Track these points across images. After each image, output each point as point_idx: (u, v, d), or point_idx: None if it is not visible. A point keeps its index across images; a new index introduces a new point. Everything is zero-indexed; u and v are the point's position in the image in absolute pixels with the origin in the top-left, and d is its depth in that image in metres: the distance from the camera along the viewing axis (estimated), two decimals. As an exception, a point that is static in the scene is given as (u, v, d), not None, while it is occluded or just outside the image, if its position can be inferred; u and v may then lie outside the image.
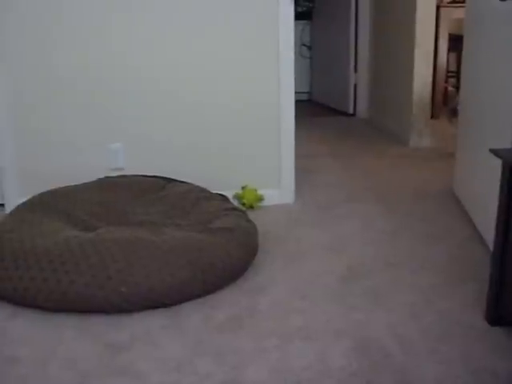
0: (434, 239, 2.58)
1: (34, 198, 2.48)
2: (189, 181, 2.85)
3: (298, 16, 5.55)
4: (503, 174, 1.77)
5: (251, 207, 2.97)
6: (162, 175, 2.84)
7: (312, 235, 2.65)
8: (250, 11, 2.82)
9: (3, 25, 2.70)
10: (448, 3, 4.96)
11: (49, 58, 2.76)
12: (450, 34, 4.96)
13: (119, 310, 1.96)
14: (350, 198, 3.16)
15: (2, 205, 2.91)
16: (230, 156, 2.99)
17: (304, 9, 6.19)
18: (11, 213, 2.37)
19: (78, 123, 2.86)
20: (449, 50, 5.10)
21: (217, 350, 1.75)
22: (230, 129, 2.96)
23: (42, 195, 2.48)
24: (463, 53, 3.03)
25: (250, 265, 2.29)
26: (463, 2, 4.08)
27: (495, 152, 1.77)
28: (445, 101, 5.45)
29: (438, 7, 4.62)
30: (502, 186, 1.78)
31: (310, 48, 6.24)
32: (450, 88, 5.54)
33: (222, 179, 2.98)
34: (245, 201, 2.96)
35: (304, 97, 6.27)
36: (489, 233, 2.39)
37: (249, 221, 2.43)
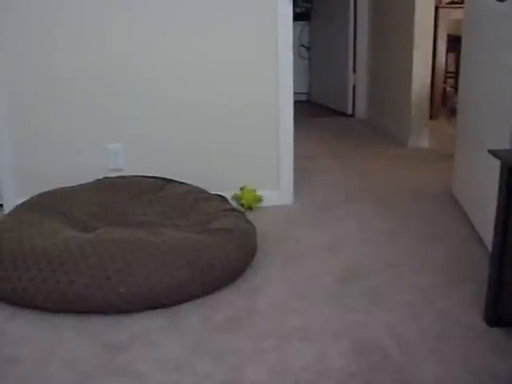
0: (433, 240, 2.58)
1: (32, 198, 2.48)
2: (188, 181, 2.85)
3: (297, 17, 5.55)
4: (502, 174, 1.77)
5: (250, 208, 2.97)
6: (160, 176, 2.84)
7: (311, 236, 2.65)
8: (248, 11, 2.83)
9: (3, 25, 2.70)
10: (446, 4, 4.96)
11: (49, 58, 2.76)
12: (448, 35, 4.96)
13: (118, 311, 1.96)
14: (349, 198, 3.16)
15: (1, 205, 2.91)
16: (228, 156, 2.99)
17: (302, 10, 6.19)
18: (10, 213, 2.37)
19: (78, 123, 2.86)
20: (447, 51, 5.11)
21: (216, 351, 1.75)
22: (229, 129, 2.96)
23: (40, 196, 2.48)
24: (462, 53, 3.04)
25: (248, 265, 2.29)
26: (462, 3, 4.09)
27: (494, 153, 1.78)
28: (443, 101, 5.45)
29: (436, 8, 4.62)
30: (500, 187, 1.79)
31: (308, 49, 6.24)
32: (448, 88, 5.54)
33: (220, 180, 2.98)
34: (243, 202, 2.96)
35: (303, 97, 6.27)
36: (487, 233, 2.39)
37: (247, 222, 2.43)
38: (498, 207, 1.80)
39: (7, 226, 2.21)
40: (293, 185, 3.09)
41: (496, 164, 1.95)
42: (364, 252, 2.46)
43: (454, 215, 2.88)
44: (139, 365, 1.69)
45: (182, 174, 2.90)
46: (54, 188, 2.58)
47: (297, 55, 6.10)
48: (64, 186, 2.62)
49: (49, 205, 2.41)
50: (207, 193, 2.68)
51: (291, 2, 2.84)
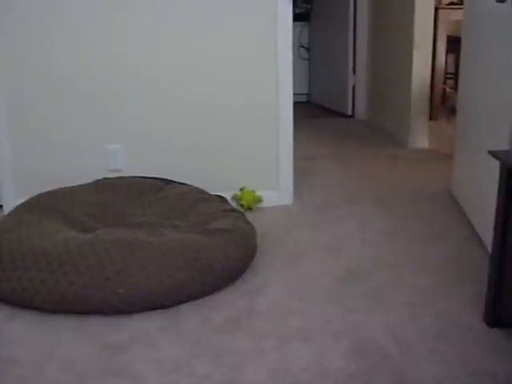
0: (433, 240, 2.58)
1: (32, 199, 2.47)
2: (187, 182, 2.85)
3: (297, 17, 5.54)
4: (501, 175, 1.77)
5: (249, 208, 2.97)
6: (160, 176, 2.84)
7: (310, 236, 2.65)
8: (248, 12, 2.82)
9: (3, 25, 2.70)
10: (446, 5, 4.97)
11: (49, 58, 2.76)
12: (448, 36, 4.96)
13: (117, 311, 1.96)
14: (349, 199, 3.16)
15: (0, 206, 2.91)
16: (228, 157, 2.99)
17: (302, 10, 6.19)
18: (9, 214, 2.37)
19: (78, 123, 2.85)
20: (447, 52, 5.11)
21: (215, 351, 1.75)
22: (228, 129, 2.96)
23: (40, 196, 2.48)
24: (461, 54, 3.04)
25: (248, 266, 2.28)
26: (461, 4, 4.09)
27: (493, 154, 1.78)
28: (443, 102, 5.46)
29: (436, 9, 4.62)
30: (499, 188, 1.79)
31: (308, 50, 6.24)
32: (448, 89, 5.55)
33: (220, 180, 2.98)
34: (243, 202, 2.95)
35: (303, 98, 6.27)
36: (487, 234, 2.39)
37: (247, 222, 2.43)
38: (498, 208, 1.80)
39: (7, 227, 2.21)
40: (293, 185, 3.09)
41: (495, 165, 1.95)
42: (364, 253, 2.46)
43: (453, 216, 2.88)
44: (138, 365, 1.69)
45: (181, 175, 2.90)
46: (53, 188, 2.58)
47: (296, 56, 6.10)
48: (64, 186, 2.62)
49: (48, 205, 2.40)
50: (207, 193, 2.68)
51: (291, 3, 2.84)
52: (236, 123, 2.96)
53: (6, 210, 2.85)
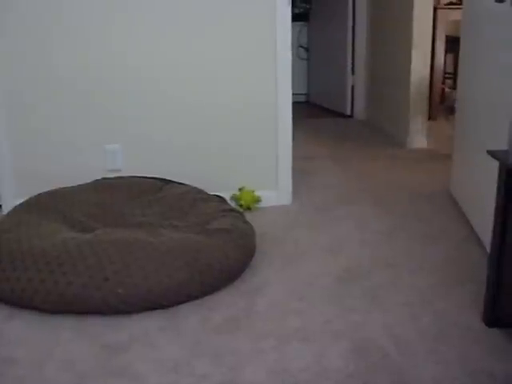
0: (432, 240, 2.59)
1: (31, 199, 2.47)
2: (186, 182, 2.85)
3: (296, 17, 5.55)
4: (500, 175, 1.77)
5: (248, 208, 2.97)
6: (159, 176, 2.84)
7: (309, 236, 2.65)
8: (247, 12, 2.83)
9: (3, 25, 2.70)
10: (445, 5, 4.97)
11: (49, 58, 2.76)
12: (446, 36, 4.97)
13: (117, 312, 1.96)
14: (348, 199, 3.16)
15: (0, 206, 2.91)
16: (227, 157, 2.99)
17: (301, 10, 6.19)
18: (8, 214, 2.37)
19: (77, 123, 2.85)
20: (446, 52, 5.12)
21: (214, 351, 1.75)
22: (227, 129, 2.96)
23: (39, 196, 2.48)
24: (460, 54, 3.04)
25: (247, 266, 2.29)
26: (460, 4, 4.09)
27: (492, 154, 1.78)
28: (442, 101, 5.46)
29: (435, 9, 4.63)
30: (498, 188, 1.79)
31: (307, 50, 6.24)
32: (447, 89, 5.55)
33: (219, 180, 2.98)
34: (242, 202, 2.96)
35: (302, 98, 6.28)
36: (486, 234, 2.40)
37: (246, 222, 2.43)
38: (497, 208, 1.80)
39: (6, 227, 2.21)
40: (291, 185, 3.09)
41: (494, 165, 1.95)
42: (363, 253, 2.46)
43: (452, 216, 2.88)
44: (138, 365, 1.69)
45: (180, 175, 2.90)
46: (53, 188, 2.57)
47: (295, 56, 6.11)
48: (63, 186, 2.62)
49: (47, 205, 2.40)
50: (206, 193, 2.68)
51: (290, 3, 2.84)
52: (235, 123, 2.96)
53: (5, 209, 2.85)
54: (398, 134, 4.49)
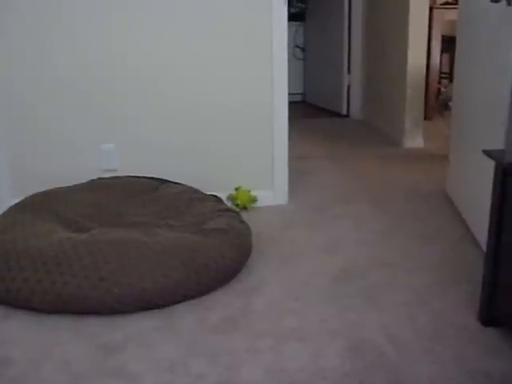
0: (428, 240, 2.59)
1: (26, 199, 2.47)
2: (182, 182, 2.85)
3: (292, 17, 5.56)
4: (496, 175, 1.78)
5: (245, 208, 2.97)
6: (155, 176, 2.83)
7: (306, 236, 2.65)
8: (244, 12, 2.82)
9: (3, 25, 2.69)
10: (441, 5, 4.98)
11: (49, 58, 2.76)
12: (442, 36, 4.98)
13: (112, 311, 1.95)
14: (344, 199, 3.17)
15: (-4, 206, 2.90)
16: (223, 157, 2.99)
17: (297, 10, 6.19)
18: (3, 214, 2.36)
19: (77, 123, 2.85)
20: (442, 52, 5.12)
21: (210, 351, 1.75)
22: (223, 129, 2.96)
23: (34, 196, 2.47)
24: (456, 54, 3.04)
25: (243, 266, 2.28)
26: (456, 4, 4.10)
27: (488, 153, 1.78)
28: (437, 98, 5.47)
29: (430, 9, 4.64)
30: (494, 187, 1.79)
31: (303, 49, 6.25)
32: (442, 89, 5.56)
33: (215, 180, 2.98)
34: (238, 202, 2.95)
35: (298, 98, 6.28)
36: (482, 234, 2.40)
37: (242, 222, 2.43)
38: (492, 208, 1.81)
39: (0, 228, 2.20)
40: (288, 185, 3.09)
41: (490, 164, 1.95)
42: (359, 252, 2.47)
43: (448, 215, 2.89)
44: (133, 365, 1.69)
45: (176, 175, 2.90)
46: (48, 189, 2.57)
47: (292, 56, 6.11)
48: (60, 186, 2.61)
49: (42, 205, 2.40)
50: (202, 193, 2.68)
51: (286, 3, 2.84)
52: (231, 123, 2.96)
53: (1, 210, 2.83)
54: (394, 133, 4.50)
